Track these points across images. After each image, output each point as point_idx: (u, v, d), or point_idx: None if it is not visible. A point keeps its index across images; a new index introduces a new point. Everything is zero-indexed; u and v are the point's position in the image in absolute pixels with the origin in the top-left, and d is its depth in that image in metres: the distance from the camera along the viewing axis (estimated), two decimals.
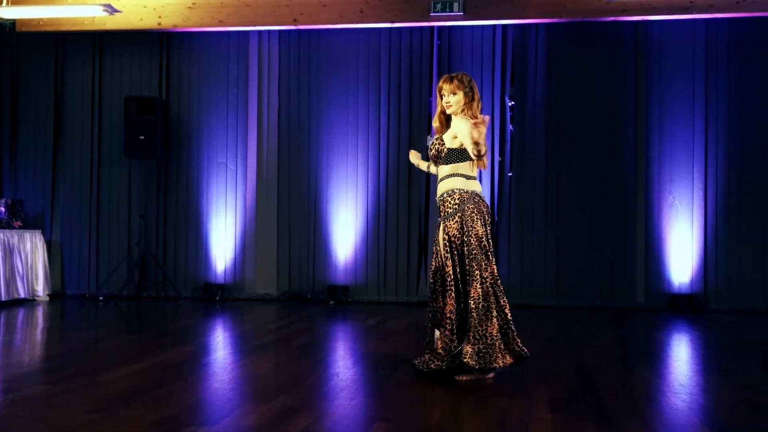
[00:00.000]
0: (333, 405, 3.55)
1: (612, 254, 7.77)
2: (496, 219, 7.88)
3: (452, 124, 4.11)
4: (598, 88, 7.85)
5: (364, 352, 5.15)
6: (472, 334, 3.94)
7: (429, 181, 7.95)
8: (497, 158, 7.87)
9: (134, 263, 8.17)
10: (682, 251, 7.70)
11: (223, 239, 8.24)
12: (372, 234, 8.03)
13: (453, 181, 4.06)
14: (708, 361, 5.03)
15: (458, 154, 4.06)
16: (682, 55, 7.77)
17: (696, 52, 7.76)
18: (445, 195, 4.07)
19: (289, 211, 8.19)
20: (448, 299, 4.00)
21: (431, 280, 4.16)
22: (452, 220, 4.03)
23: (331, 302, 7.91)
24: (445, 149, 4.09)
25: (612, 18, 7.56)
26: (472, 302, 3.96)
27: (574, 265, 7.82)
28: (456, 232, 4.02)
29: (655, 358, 5.12)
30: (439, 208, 4.14)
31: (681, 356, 5.34)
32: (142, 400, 3.53)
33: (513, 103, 7.98)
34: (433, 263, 4.17)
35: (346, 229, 8.08)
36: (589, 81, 7.86)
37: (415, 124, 8.02)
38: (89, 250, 8.40)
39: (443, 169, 4.10)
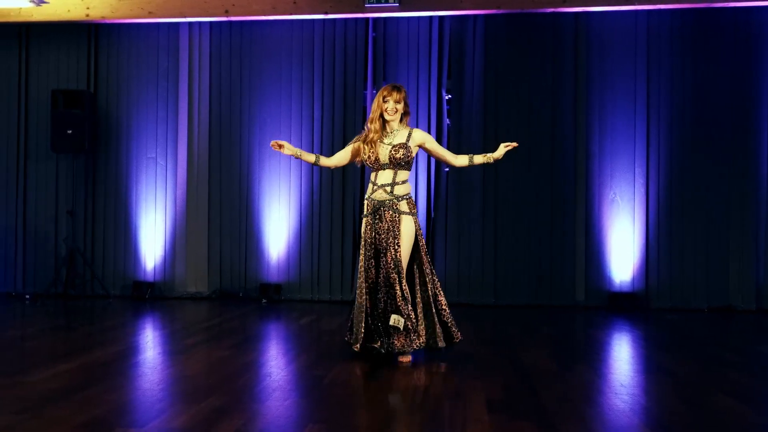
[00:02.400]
0: (265, 406, 3.47)
1: (551, 251, 7.57)
2: (433, 216, 7.69)
3: (416, 134, 4.46)
4: (537, 82, 7.65)
5: (296, 351, 5.04)
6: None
7: (363, 178, 7.75)
8: None
9: (62, 260, 7.94)
10: (623, 248, 7.50)
11: (152, 236, 8.03)
12: (305, 231, 7.83)
13: (409, 187, 4.49)
14: (649, 361, 4.89)
15: (411, 163, 4.51)
16: (623, 47, 7.58)
17: (638, 44, 7.58)
18: (408, 197, 4.45)
19: (220, 208, 7.98)
20: (406, 284, 4.37)
21: (388, 270, 4.34)
22: (415, 219, 4.44)
23: (264, 301, 7.71)
24: (412, 156, 4.43)
25: (551, 9, 7.36)
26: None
27: (512, 263, 7.63)
28: (419, 229, 4.47)
29: (596, 358, 4.96)
30: (391, 206, 4.40)
31: (622, 356, 5.19)
32: (70, 400, 3.46)
33: (450, 96, 7.77)
34: (363, 256, 4.45)
35: (279, 226, 7.87)
36: (527, 74, 7.66)
37: (349, 117, 7.81)
38: (15, 247, 8.20)
39: (403, 174, 4.40)
